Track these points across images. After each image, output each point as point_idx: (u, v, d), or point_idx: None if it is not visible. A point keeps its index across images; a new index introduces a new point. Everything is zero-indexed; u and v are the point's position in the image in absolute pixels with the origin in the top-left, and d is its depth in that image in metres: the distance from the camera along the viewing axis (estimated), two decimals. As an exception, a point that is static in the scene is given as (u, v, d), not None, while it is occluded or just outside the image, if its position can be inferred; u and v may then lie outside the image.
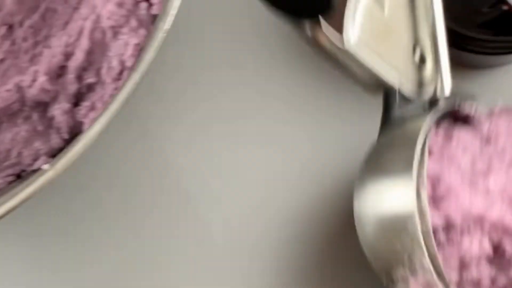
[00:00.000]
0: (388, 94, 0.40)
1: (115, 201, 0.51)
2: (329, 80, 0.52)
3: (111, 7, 0.43)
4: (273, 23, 0.51)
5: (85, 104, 0.44)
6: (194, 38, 0.52)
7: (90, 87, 0.44)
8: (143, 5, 0.43)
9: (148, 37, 0.38)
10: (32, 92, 0.43)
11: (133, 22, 0.43)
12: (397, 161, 0.36)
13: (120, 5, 0.43)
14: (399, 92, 0.39)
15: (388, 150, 0.38)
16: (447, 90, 0.39)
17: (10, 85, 0.43)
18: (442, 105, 0.41)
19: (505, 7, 0.49)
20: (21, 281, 0.51)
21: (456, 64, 0.50)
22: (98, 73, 0.44)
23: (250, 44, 0.53)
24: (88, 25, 0.44)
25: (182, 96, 0.52)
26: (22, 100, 0.43)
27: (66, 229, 0.51)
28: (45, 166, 0.36)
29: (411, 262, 0.32)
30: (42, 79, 0.43)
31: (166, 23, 0.34)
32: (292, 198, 0.51)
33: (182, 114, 0.52)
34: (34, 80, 0.43)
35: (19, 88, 0.43)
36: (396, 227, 0.33)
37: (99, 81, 0.44)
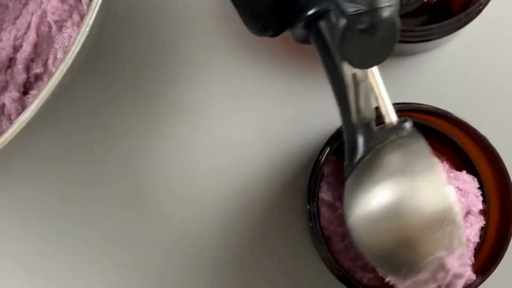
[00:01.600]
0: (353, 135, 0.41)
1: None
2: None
3: (55, 3, 0.47)
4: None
5: (33, 92, 0.47)
6: (148, 18, 0.55)
7: (38, 77, 0.48)
8: (84, 0, 0.47)
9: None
10: None
11: (76, 17, 0.46)
12: (412, 167, 0.39)
13: (63, 0, 0.47)
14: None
15: (386, 165, 0.40)
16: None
17: None
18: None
19: (425, -1, 0.52)
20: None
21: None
22: (45, 64, 0.48)
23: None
24: (35, 19, 0.47)
25: (126, 77, 0.55)
26: None
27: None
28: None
29: (451, 242, 0.37)
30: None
31: (91, 18, 0.37)
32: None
33: (127, 96, 0.54)
34: None
35: None
36: (437, 219, 0.37)
37: (46, 71, 0.47)
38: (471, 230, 0.48)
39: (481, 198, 0.49)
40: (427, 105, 0.49)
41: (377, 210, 0.38)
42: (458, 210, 0.37)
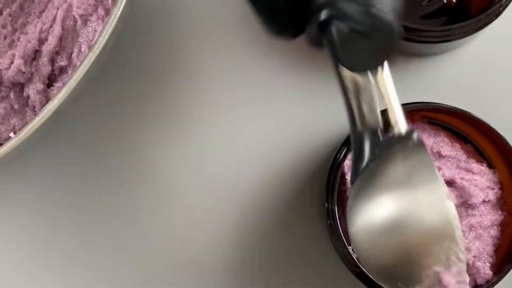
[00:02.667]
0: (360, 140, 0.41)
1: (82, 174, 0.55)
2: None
3: None
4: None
5: (57, 85, 0.48)
6: (170, 22, 0.56)
7: (62, 70, 0.49)
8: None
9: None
10: (9, 74, 0.47)
11: (101, 11, 0.47)
12: (415, 179, 0.39)
13: None
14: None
15: (385, 175, 0.39)
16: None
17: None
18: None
19: (445, 0, 0.53)
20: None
21: (402, 53, 0.54)
22: (69, 57, 0.48)
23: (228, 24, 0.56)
24: (60, 13, 0.48)
25: (150, 75, 0.55)
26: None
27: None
28: (11, 134, 0.40)
29: (448, 258, 0.37)
30: (18, 62, 0.47)
31: (119, 10, 0.38)
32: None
33: (149, 92, 0.55)
34: (11, 63, 0.48)
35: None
36: (436, 234, 0.37)
37: (70, 64, 0.48)
38: (483, 218, 0.48)
39: (498, 191, 0.49)
40: (445, 104, 0.49)
41: (378, 221, 0.38)
42: (458, 226, 0.37)
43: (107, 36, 0.38)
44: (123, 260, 0.54)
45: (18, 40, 0.49)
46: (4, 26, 0.49)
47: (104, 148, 0.55)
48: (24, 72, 0.47)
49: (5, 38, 0.49)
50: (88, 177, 0.55)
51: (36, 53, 0.48)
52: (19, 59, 0.47)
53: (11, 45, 0.49)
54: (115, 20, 0.38)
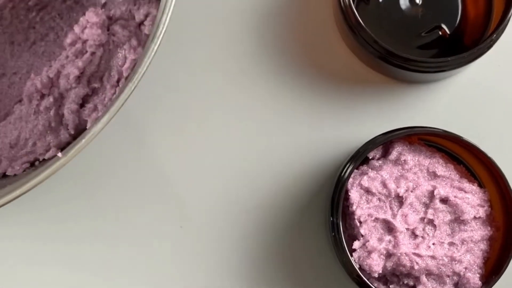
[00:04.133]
0: None
1: (113, 190, 0.59)
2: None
3: (117, 28, 0.52)
4: (259, 43, 0.60)
5: (89, 106, 0.52)
6: (186, 51, 0.60)
7: (94, 91, 0.53)
8: (143, 27, 0.52)
9: (143, 54, 0.47)
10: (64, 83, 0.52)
11: (134, 42, 0.51)
12: None
13: (124, 26, 0.52)
14: None
15: None
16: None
17: (53, 69, 0.52)
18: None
19: (440, 32, 0.57)
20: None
21: (402, 81, 0.59)
22: (101, 80, 0.53)
23: (237, 52, 0.60)
24: (103, 38, 0.52)
25: (173, 103, 0.60)
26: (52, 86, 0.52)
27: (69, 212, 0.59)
28: (59, 154, 0.44)
29: None
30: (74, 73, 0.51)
31: (156, 44, 0.43)
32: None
33: (172, 119, 0.59)
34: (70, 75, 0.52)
35: (58, 73, 0.52)
36: None
37: (101, 86, 0.53)
38: (474, 233, 0.53)
39: (488, 209, 0.54)
40: (439, 129, 0.54)
41: None
42: None
43: (144, 69, 0.43)
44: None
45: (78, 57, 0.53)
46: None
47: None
48: (75, 88, 0.52)
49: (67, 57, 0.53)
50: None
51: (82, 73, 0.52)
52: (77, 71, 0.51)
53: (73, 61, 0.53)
54: (152, 54, 0.43)
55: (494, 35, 0.54)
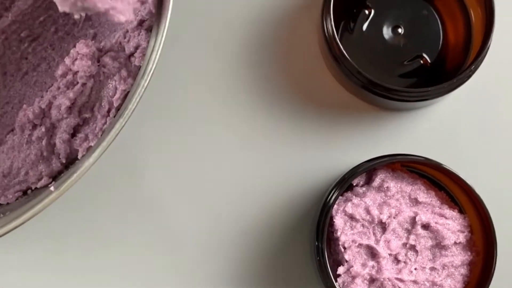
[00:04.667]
0: None
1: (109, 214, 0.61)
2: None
3: (107, 60, 0.53)
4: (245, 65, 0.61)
5: (80, 135, 0.54)
6: (172, 82, 0.61)
7: (85, 121, 0.54)
8: (133, 59, 0.53)
9: (134, 84, 0.48)
10: (55, 114, 0.53)
11: (124, 73, 0.53)
12: None
13: (114, 58, 0.53)
14: None
15: None
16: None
17: (45, 100, 0.53)
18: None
19: (422, 61, 0.59)
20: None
21: (384, 109, 0.61)
22: (92, 110, 0.54)
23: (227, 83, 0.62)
24: (93, 69, 0.53)
25: (163, 132, 0.61)
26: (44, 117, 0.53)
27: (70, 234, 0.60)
28: (52, 188, 0.46)
29: None
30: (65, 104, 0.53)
31: (146, 81, 0.44)
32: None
33: (161, 146, 0.61)
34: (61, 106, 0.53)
35: (49, 104, 0.53)
36: None
37: (92, 117, 0.54)
38: (454, 258, 0.55)
39: (468, 234, 0.55)
40: (421, 157, 0.56)
41: None
42: None
43: (135, 104, 0.44)
44: None
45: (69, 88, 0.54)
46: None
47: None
48: (66, 118, 0.53)
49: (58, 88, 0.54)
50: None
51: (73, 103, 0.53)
52: (68, 102, 0.53)
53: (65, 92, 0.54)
54: (143, 90, 0.44)
55: (473, 66, 0.56)
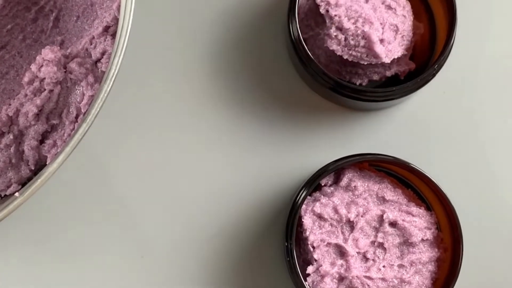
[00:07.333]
0: None
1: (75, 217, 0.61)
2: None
3: (74, 66, 0.54)
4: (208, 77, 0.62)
5: (48, 142, 0.54)
6: (139, 86, 0.62)
7: (53, 127, 0.54)
8: (100, 65, 0.54)
9: (97, 93, 0.49)
10: (23, 121, 0.53)
11: (91, 78, 0.53)
12: None
13: (81, 64, 0.54)
14: None
15: None
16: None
17: (12, 107, 0.54)
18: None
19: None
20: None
21: (351, 110, 0.62)
22: (60, 116, 0.54)
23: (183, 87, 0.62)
24: (59, 75, 0.54)
25: (131, 136, 0.61)
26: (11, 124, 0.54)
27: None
28: (17, 194, 0.46)
29: None
30: (33, 111, 0.53)
31: (108, 86, 0.45)
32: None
33: (129, 150, 0.61)
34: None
35: (17, 111, 0.53)
36: None
37: (60, 123, 0.54)
38: (422, 255, 0.55)
39: (435, 231, 0.56)
40: (389, 156, 0.57)
41: None
42: None
43: (98, 109, 0.44)
44: None
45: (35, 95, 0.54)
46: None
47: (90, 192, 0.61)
48: (34, 125, 0.53)
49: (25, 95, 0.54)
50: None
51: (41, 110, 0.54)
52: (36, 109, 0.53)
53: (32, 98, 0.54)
54: (106, 95, 0.45)
55: (437, 65, 0.56)
